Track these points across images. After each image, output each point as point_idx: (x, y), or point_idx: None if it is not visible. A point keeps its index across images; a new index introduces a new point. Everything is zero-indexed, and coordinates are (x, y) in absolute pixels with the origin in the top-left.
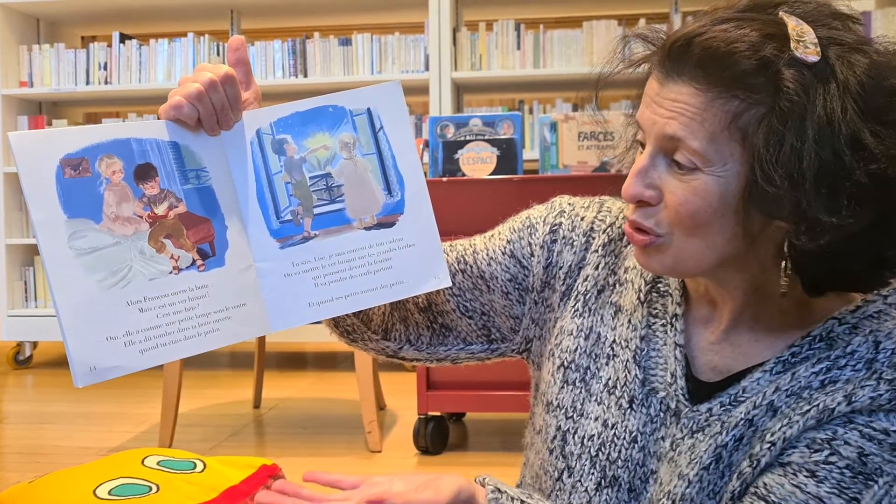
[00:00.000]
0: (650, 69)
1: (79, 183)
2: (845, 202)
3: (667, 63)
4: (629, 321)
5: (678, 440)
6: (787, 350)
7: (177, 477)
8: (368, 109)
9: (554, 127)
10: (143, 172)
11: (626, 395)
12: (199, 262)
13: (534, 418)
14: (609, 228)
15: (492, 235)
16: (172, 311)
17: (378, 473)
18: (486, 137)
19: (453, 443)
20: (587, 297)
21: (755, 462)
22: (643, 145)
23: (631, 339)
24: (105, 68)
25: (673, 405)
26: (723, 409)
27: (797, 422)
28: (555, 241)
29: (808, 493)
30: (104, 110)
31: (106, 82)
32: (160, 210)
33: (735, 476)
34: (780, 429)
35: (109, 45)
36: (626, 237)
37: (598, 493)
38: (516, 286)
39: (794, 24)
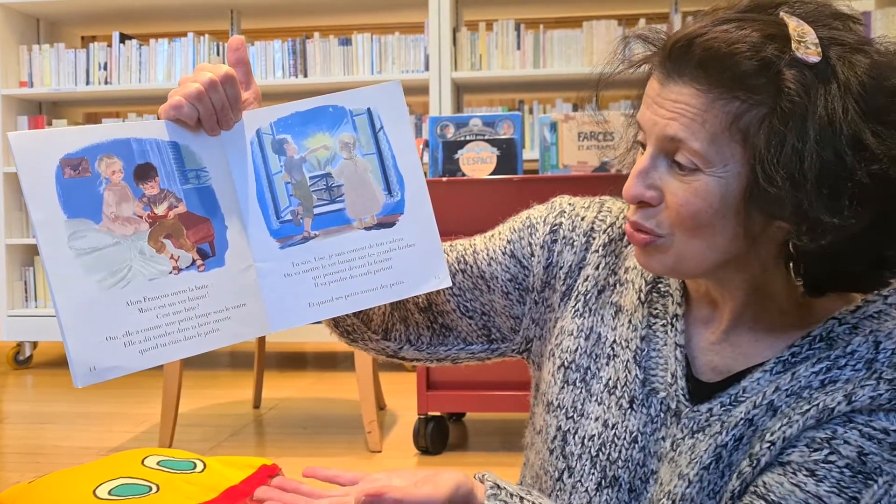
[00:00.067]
0: (651, 70)
1: (78, 183)
2: (846, 202)
3: (668, 64)
4: (629, 321)
5: (678, 440)
6: (788, 350)
7: (177, 477)
8: (368, 109)
9: (554, 127)
10: (143, 172)
11: (626, 395)
12: (199, 262)
13: (534, 418)
14: (609, 228)
15: (492, 235)
16: (172, 312)
17: None
18: (486, 137)
19: (453, 443)
20: (587, 297)
21: (755, 461)
22: (644, 146)
23: (631, 340)
24: (105, 68)
25: (673, 405)
26: (723, 409)
27: (797, 421)
28: (555, 241)
29: (808, 491)
30: (104, 110)
31: (106, 82)
32: (160, 210)
33: (735, 476)
34: (779, 428)
35: (109, 45)
36: (626, 237)
37: (598, 494)
38: (516, 286)
39: (794, 25)
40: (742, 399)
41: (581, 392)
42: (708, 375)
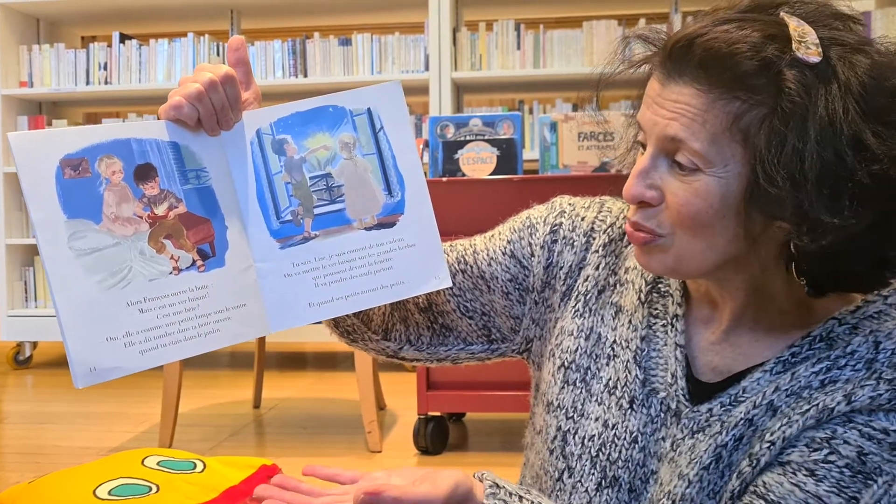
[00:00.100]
0: (651, 70)
1: (79, 183)
2: (847, 203)
3: (668, 64)
4: (630, 321)
5: (678, 440)
6: (788, 350)
7: (177, 477)
8: (368, 109)
9: (554, 127)
10: (143, 173)
11: (626, 395)
12: (199, 262)
13: (534, 418)
14: (609, 228)
15: (492, 235)
16: (172, 312)
17: None
18: (486, 137)
19: (453, 443)
20: (587, 297)
21: (755, 461)
22: (644, 146)
23: (631, 340)
24: (105, 68)
25: (673, 405)
26: (723, 409)
27: (797, 421)
28: (555, 241)
29: (808, 491)
30: (104, 110)
31: (106, 82)
32: (160, 210)
33: (735, 475)
34: (779, 428)
35: (109, 45)
36: (626, 237)
37: (598, 494)
38: (517, 286)
39: (795, 25)
40: (742, 399)
41: (581, 392)
42: (708, 376)
